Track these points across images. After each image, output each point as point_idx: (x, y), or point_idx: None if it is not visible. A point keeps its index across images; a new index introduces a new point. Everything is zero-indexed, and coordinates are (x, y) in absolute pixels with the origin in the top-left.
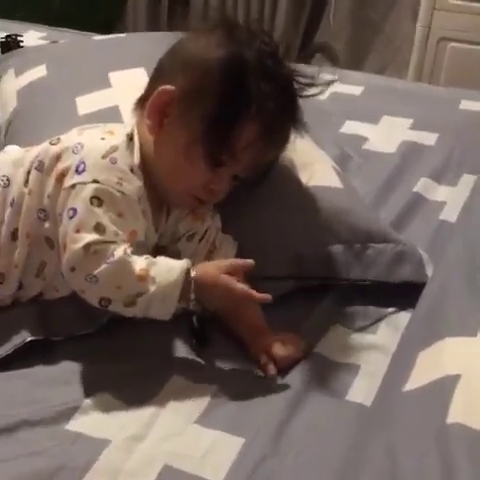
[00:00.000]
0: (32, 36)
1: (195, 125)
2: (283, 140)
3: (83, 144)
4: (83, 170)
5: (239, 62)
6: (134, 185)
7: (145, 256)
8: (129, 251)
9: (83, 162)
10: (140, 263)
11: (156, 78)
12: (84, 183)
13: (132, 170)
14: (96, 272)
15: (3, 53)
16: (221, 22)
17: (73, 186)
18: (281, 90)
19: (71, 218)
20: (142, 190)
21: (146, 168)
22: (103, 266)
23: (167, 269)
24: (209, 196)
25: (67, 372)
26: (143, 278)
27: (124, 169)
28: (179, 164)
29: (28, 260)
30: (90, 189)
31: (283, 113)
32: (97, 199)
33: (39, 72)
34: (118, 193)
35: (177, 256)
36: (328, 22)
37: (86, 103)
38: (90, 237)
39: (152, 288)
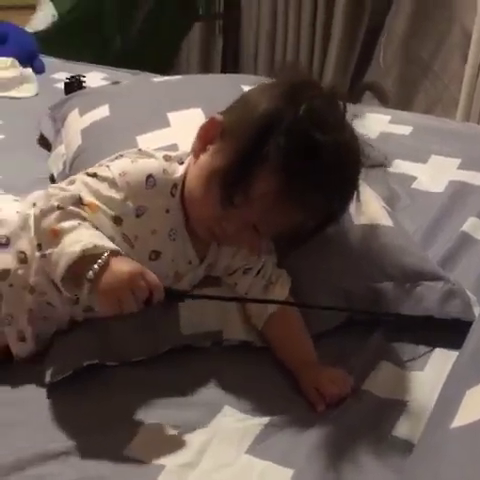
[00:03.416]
0: (95, 77)
1: (222, 161)
2: (305, 207)
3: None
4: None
5: (274, 120)
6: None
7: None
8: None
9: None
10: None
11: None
12: (107, 166)
13: (152, 179)
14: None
15: (67, 94)
16: (291, 78)
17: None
18: (308, 156)
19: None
20: (121, 204)
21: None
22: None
23: (76, 240)
24: (220, 232)
25: (119, 400)
26: (55, 234)
27: (132, 175)
28: (198, 190)
29: None
30: (102, 168)
31: (304, 178)
32: (95, 174)
33: (102, 112)
34: (111, 176)
35: (232, 288)
36: (378, 61)
37: (146, 141)
38: (61, 192)
39: (57, 247)
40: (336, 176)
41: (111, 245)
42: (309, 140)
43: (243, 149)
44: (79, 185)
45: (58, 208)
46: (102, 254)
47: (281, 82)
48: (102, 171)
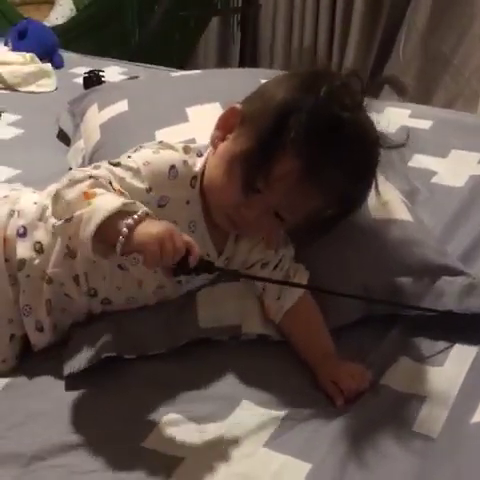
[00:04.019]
0: (113, 71)
1: (242, 146)
2: (324, 186)
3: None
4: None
5: (295, 104)
6: (147, 177)
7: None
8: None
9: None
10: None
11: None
12: (129, 156)
13: (175, 170)
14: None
15: (86, 88)
16: (309, 67)
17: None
18: (329, 133)
19: None
20: (145, 194)
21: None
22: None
23: (112, 199)
24: (240, 219)
25: (137, 393)
26: (87, 196)
27: (155, 165)
28: (220, 177)
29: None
30: (124, 158)
31: (324, 156)
32: (119, 163)
33: (121, 107)
34: (135, 166)
35: (250, 282)
36: (397, 56)
37: (165, 136)
38: (86, 172)
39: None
40: (355, 154)
41: (146, 208)
42: (331, 117)
43: (264, 131)
44: (105, 171)
45: (91, 177)
46: (138, 211)
47: (299, 72)
48: (125, 161)
